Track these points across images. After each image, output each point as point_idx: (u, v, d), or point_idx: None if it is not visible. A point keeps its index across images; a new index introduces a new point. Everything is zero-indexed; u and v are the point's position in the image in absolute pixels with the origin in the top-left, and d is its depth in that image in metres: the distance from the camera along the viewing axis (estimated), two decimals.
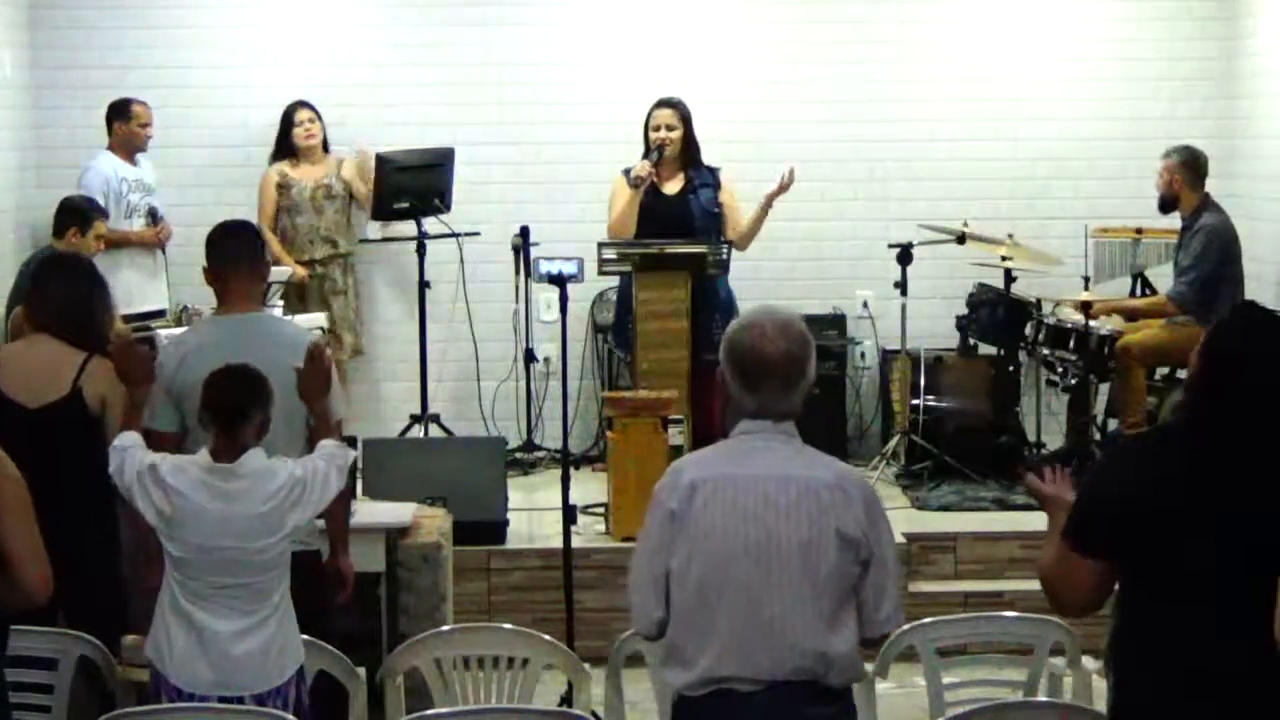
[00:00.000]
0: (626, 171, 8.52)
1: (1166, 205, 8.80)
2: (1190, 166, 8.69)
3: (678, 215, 8.44)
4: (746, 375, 3.93)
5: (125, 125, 9.10)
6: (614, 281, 9.07)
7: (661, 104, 8.57)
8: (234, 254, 5.33)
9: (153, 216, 9.08)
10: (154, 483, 4.61)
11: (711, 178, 8.55)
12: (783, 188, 8.42)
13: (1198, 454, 3.65)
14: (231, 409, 4.61)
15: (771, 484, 3.87)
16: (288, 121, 9.40)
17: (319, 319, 8.44)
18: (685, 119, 8.52)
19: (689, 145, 8.53)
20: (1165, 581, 3.63)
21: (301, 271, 9.11)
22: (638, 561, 3.97)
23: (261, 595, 4.59)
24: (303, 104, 9.43)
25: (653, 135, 8.49)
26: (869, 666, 4.66)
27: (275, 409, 4.75)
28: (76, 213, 8.17)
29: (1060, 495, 3.95)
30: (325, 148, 9.49)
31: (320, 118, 9.43)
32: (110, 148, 9.11)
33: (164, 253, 9.06)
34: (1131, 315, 8.91)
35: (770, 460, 3.90)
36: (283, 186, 9.36)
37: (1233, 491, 3.60)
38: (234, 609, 4.57)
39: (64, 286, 5.68)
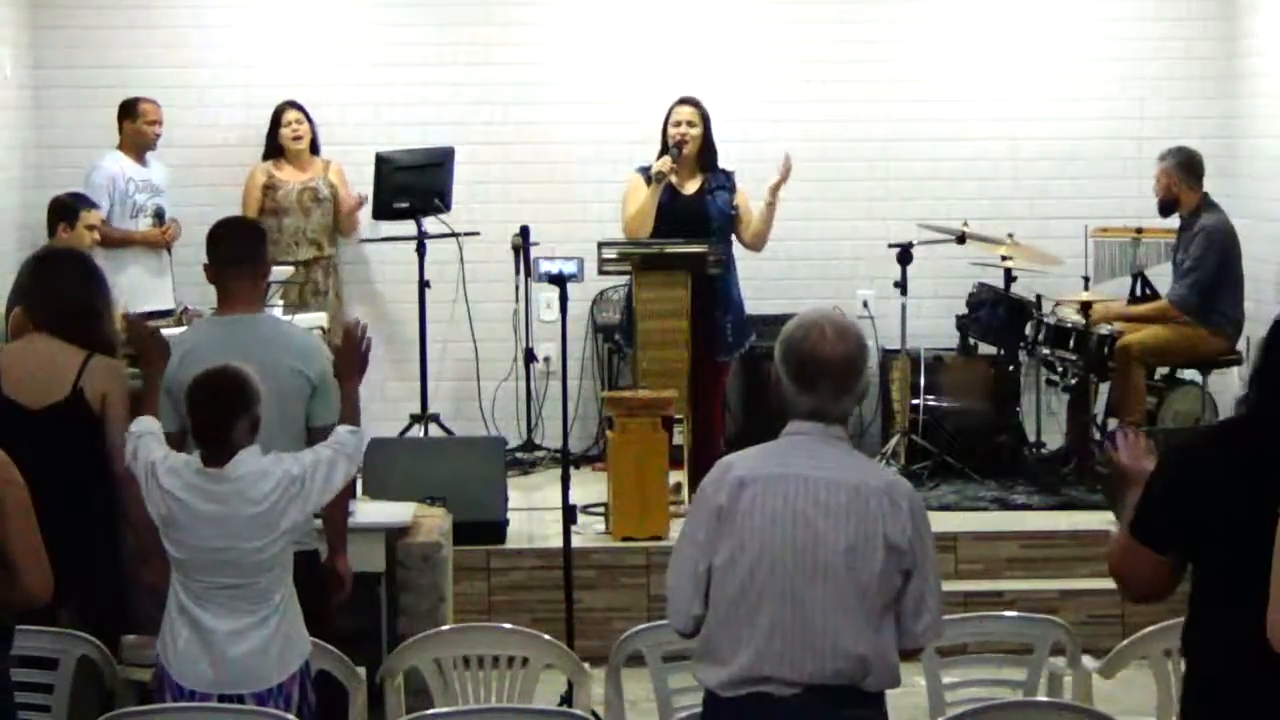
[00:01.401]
0: (644, 170, 8.49)
1: (1167, 208, 8.79)
2: (1186, 167, 8.69)
3: (695, 215, 8.42)
4: (803, 377, 3.91)
5: (133, 124, 9.12)
6: (614, 281, 9.08)
7: (683, 101, 8.54)
8: (236, 253, 5.30)
9: (159, 217, 9.09)
10: (154, 482, 4.62)
11: (728, 180, 8.54)
12: (784, 176, 8.42)
13: (1261, 453, 3.61)
14: (213, 420, 4.59)
15: (821, 486, 3.86)
16: (275, 121, 9.41)
17: (319, 319, 8.44)
18: (705, 119, 8.49)
19: (707, 146, 8.51)
20: (1229, 581, 3.60)
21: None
22: (679, 556, 3.95)
23: (263, 595, 4.59)
24: (292, 104, 9.42)
25: (671, 131, 8.45)
26: None
27: (273, 411, 4.72)
28: (62, 208, 8.18)
29: (1138, 466, 3.88)
30: (315, 149, 9.48)
31: (310, 119, 9.42)
32: (120, 147, 9.13)
33: (169, 253, 9.08)
34: (1133, 322, 8.87)
35: (821, 463, 3.89)
36: (269, 187, 9.36)
37: None
38: (235, 609, 4.57)
39: (60, 284, 5.63)
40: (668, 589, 3.98)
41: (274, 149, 9.44)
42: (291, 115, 9.39)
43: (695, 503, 3.97)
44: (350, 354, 5.01)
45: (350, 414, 4.92)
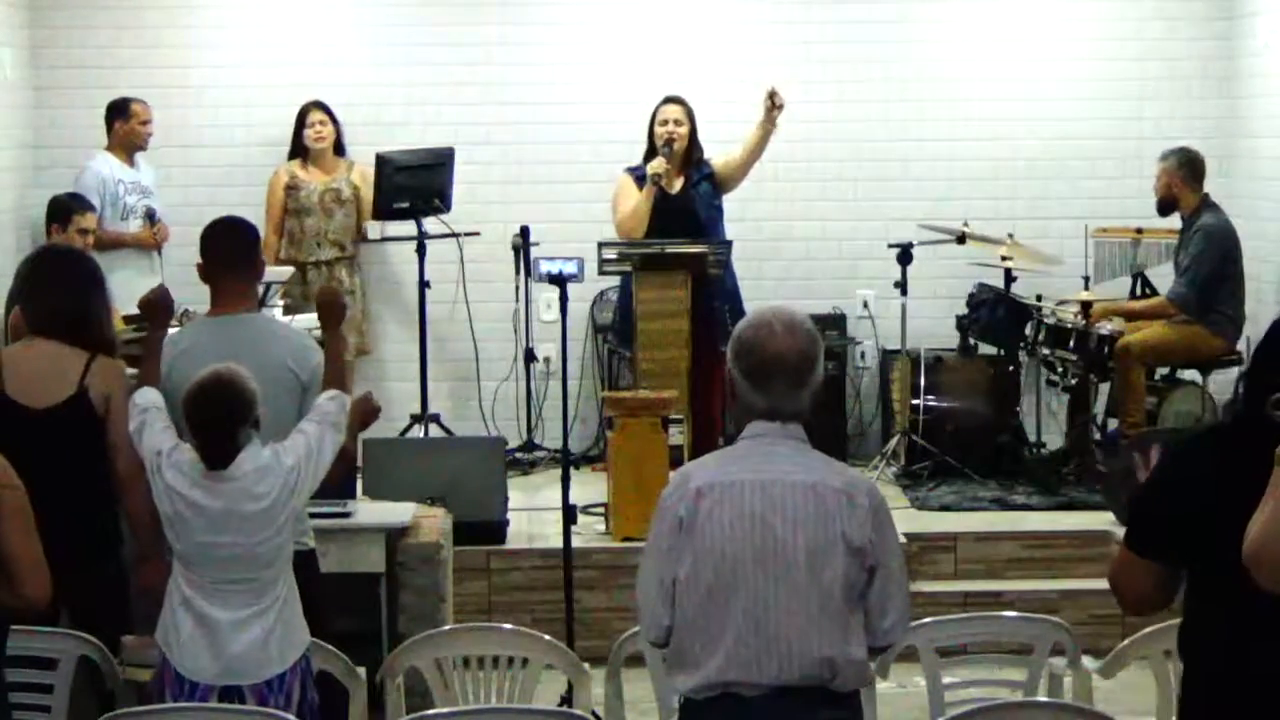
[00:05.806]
0: (632, 170, 8.60)
1: (1166, 208, 8.80)
2: (1188, 167, 8.69)
3: (683, 213, 8.54)
4: (756, 374, 3.89)
5: (125, 124, 9.10)
6: (614, 281, 9.08)
7: (668, 100, 8.69)
8: (226, 252, 5.29)
9: (150, 218, 9.08)
10: (159, 476, 4.65)
11: (708, 168, 8.66)
12: (777, 105, 8.45)
13: (1246, 455, 3.62)
14: (215, 427, 4.59)
15: (778, 489, 3.85)
16: (300, 122, 9.40)
17: (313, 319, 8.41)
18: (691, 116, 8.65)
19: (693, 143, 8.62)
20: (1217, 583, 3.59)
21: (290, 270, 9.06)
22: (646, 569, 3.94)
23: (267, 587, 4.61)
24: (317, 105, 9.40)
25: (659, 130, 8.57)
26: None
27: (267, 407, 4.71)
28: (57, 209, 8.15)
29: None
30: (340, 150, 9.48)
31: (334, 120, 9.41)
32: (109, 148, 9.11)
33: (160, 254, 9.06)
34: (1131, 317, 8.91)
35: (778, 465, 3.88)
36: (291, 188, 9.35)
37: None
38: (239, 601, 4.59)
39: (57, 289, 5.54)
40: (638, 601, 3.97)
41: (298, 149, 9.43)
42: (315, 116, 9.38)
43: (657, 515, 3.94)
44: (329, 304, 5.13)
45: (335, 373, 4.96)
